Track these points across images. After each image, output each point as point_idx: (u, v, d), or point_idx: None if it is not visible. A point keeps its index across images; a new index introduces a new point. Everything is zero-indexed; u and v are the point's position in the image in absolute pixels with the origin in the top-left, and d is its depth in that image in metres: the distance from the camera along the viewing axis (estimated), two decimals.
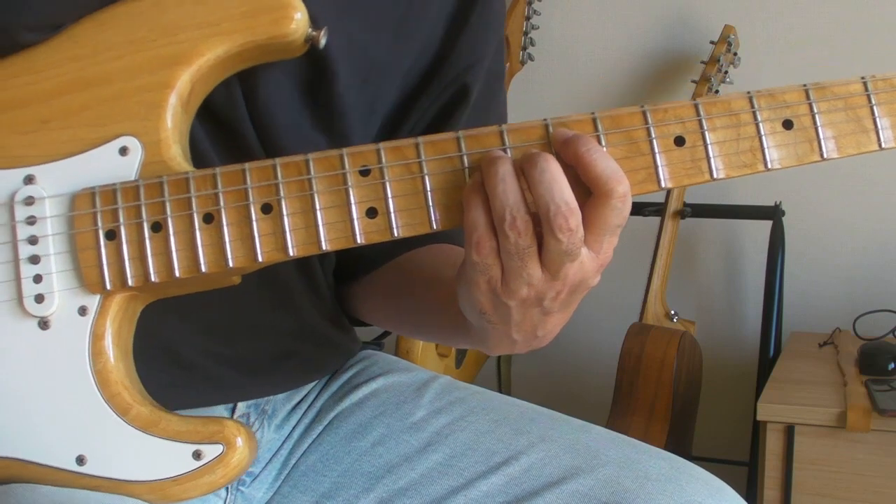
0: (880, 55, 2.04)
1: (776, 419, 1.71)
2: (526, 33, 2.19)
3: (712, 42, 2.04)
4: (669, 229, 2.05)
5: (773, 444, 1.71)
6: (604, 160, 0.66)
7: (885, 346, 1.83)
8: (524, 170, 0.67)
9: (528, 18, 2.19)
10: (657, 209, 2.06)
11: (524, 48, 2.19)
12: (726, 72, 2.02)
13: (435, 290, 0.84)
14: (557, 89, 2.31)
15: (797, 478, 1.70)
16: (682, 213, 2.07)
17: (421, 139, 0.70)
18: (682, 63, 2.20)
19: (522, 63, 2.21)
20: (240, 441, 0.72)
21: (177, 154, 0.73)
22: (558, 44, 2.29)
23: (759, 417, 1.72)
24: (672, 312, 2.04)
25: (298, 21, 0.73)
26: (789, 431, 1.69)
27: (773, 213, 2.02)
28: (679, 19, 2.21)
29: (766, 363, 1.99)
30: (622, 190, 0.66)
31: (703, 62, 2.04)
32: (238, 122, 0.81)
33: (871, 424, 1.62)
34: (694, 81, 2.04)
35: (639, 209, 2.08)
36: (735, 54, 2.05)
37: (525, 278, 0.67)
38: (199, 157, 0.77)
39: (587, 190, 0.67)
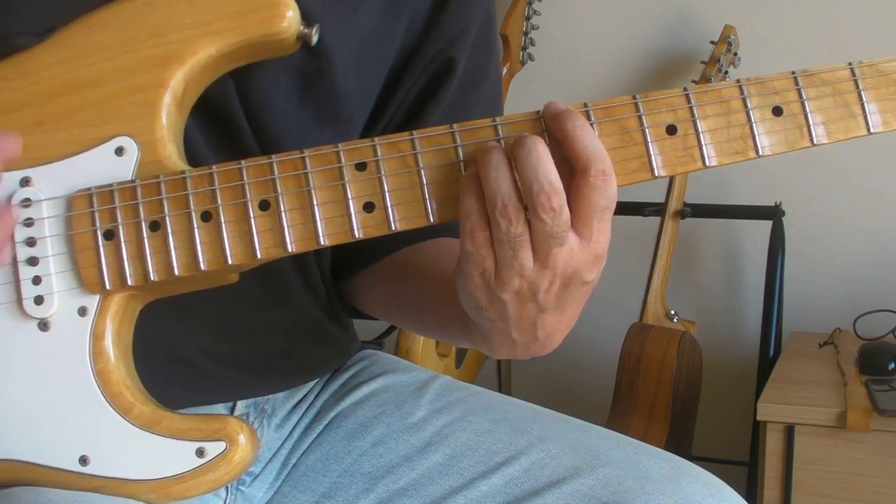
0: (881, 55, 2.03)
1: (776, 419, 1.71)
2: (526, 33, 2.19)
3: (712, 42, 2.04)
4: (669, 229, 2.05)
5: (773, 444, 1.72)
6: (587, 137, 0.67)
7: (885, 346, 1.83)
8: (513, 151, 0.67)
9: (528, 18, 2.19)
10: (657, 209, 2.07)
11: (524, 48, 2.20)
12: (726, 72, 2.02)
13: (437, 286, 0.84)
14: (557, 89, 2.31)
15: (797, 478, 1.70)
16: (682, 213, 2.07)
17: (416, 133, 0.70)
18: (682, 63, 2.20)
19: (522, 63, 2.21)
20: (242, 438, 0.72)
21: (172, 153, 0.73)
22: (558, 44, 2.29)
23: (759, 417, 1.72)
24: (672, 312, 2.05)
25: (290, 19, 0.73)
26: (789, 431, 1.70)
27: (773, 213, 2.02)
28: (679, 19, 2.22)
29: (766, 363, 1.99)
30: (601, 167, 0.66)
31: (703, 62, 2.04)
32: (233, 118, 0.81)
33: (871, 424, 1.62)
34: (694, 81, 2.04)
35: (639, 209, 2.08)
36: (735, 54, 2.05)
37: (517, 268, 0.67)
38: (194, 156, 0.77)
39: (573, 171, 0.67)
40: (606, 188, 0.66)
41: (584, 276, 0.69)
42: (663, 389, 1.89)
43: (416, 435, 0.90)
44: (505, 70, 2.17)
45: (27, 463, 0.72)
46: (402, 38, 0.90)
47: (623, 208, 2.10)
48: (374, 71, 0.88)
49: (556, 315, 0.72)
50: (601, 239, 0.68)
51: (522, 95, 2.25)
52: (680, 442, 1.95)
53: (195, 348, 0.85)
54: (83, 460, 0.71)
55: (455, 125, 0.70)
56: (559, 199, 0.65)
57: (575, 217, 0.67)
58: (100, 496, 0.71)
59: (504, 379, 2.31)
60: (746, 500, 0.84)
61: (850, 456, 1.67)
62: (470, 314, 0.74)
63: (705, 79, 2.00)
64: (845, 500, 1.68)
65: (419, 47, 0.90)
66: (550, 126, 0.68)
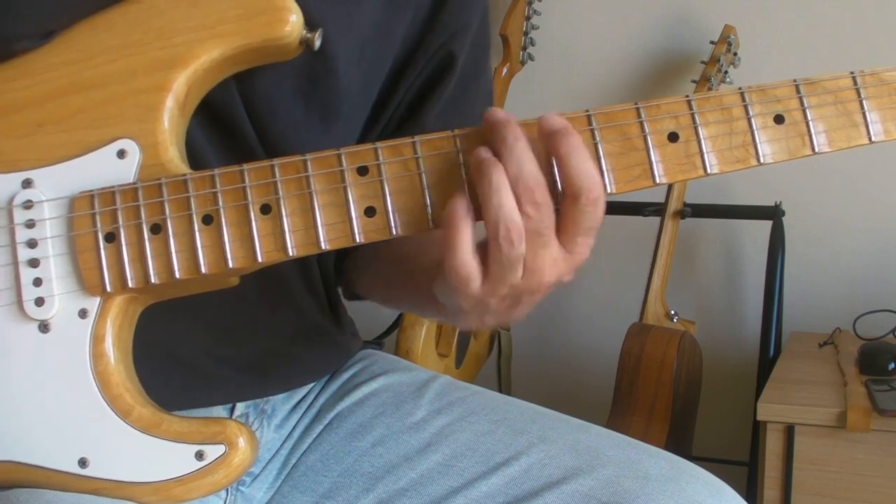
0: (881, 56, 2.03)
1: (776, 419, 1.71)
2: (526, 33, 2.19)
3: (712, 42, 2.04)
4: (669, 229, 2.05)
5: (773, 444, 1.71)
6: (581, 163, 0.67)
7: (885, 346, 1.83)
8: (497, 153, 0.68)
9: (528, 18, 2.18)
10: (657, 209, 2.07)
11: (524, 48, 2.19)
12: (726, 72, 2.02)
13: (414, 267, 0.85)
14: (557, 89, 2.31)
15: (797, 478, 1.70)
16: (682, 213, 2.07)
17: (417, 138, 0.71)
18: (682, 63, 2.20)
19: (522, 63, 2.20)
20: (241, 441, 0.72)
21: (174, 156, 0.73)
22: (558, 44, 2.29)
23: (759, 417, 1.72)
24: (672, 312, 2.04)
25: (293, 23, 0.73)
26: (789, 431, 1.69)
27: (773, 213, 2.02)
28: (679, 19, 2.22)
29: (766, 363, 1.99)
30: (592, 195, 0.67)
31: (703, 62, 2.04)
32: (236, 120, 0.81)
33: (871, 424, 1.62)
34: (694, 81, 2.04)
35: (639, 209, 2.08)
36: (735, 54, 2.05)
37: (508, 281, 0.68)
38: (198, 159, 0.77)
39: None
40: (595, 213, 0.67)
41: (563, 279, 0.71)
42: (663, 389, 1.89)
43: (416, 435, 0.90)
44: (505, 70, 2.17)
45: (26, 464, 0.72)
46: (404, 35, 0.90)
47: (623, 208, 2.11)
48: (377, 68, 0.89)
49: (530, 301, 0.73)
50: (584, 251, 0.69)
51: (522, 95, 2.25)
52: (680, 442, 1.95)
53: (196, 350, 0.85)
54: (82, 462, 0.71)
55: (456, 130, 0.70)
56: (542, 192, 0.66)
57: (561, 232, 0.68)
58: (98, 498, 0.71)
59: (504, 379, 2.31)
60: (746, 500, 0.84)
61: (850, 456, 1.67)
62: (448, 305, 0.75)
63: (705, 79, 2.00)
64: (845, 500, 1.68)
65: (421, 43, 0.91)
66: (545, 143, 0.68)
